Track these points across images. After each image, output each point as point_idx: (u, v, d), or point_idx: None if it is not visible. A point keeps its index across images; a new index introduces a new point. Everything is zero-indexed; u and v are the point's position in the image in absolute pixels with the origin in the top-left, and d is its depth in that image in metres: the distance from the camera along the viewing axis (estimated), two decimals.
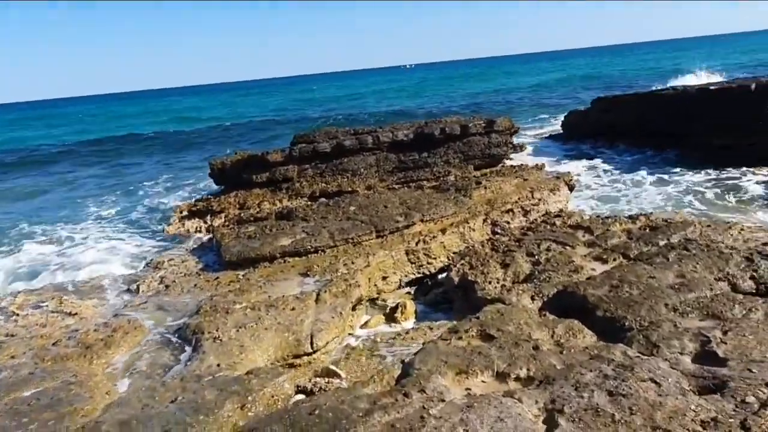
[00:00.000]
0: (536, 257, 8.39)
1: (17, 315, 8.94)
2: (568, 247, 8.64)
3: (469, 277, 8.14)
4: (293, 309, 7.38)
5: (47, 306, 9.47)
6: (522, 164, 16.31)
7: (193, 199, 15.39)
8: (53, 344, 7.19)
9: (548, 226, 10.05)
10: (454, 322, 6.58)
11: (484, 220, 11.28)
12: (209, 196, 15.23)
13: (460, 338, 5.72)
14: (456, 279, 8.33)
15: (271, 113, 55.00)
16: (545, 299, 7.11)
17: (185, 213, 14.44)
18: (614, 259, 7.99)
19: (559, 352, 5.31)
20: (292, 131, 22.66)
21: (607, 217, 10.04)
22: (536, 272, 7.89)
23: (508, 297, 7.16)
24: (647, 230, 8.98)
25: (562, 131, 23.91)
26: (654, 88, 22.37)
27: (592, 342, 5.72)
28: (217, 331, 6.88)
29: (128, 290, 10.03)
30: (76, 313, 8.55)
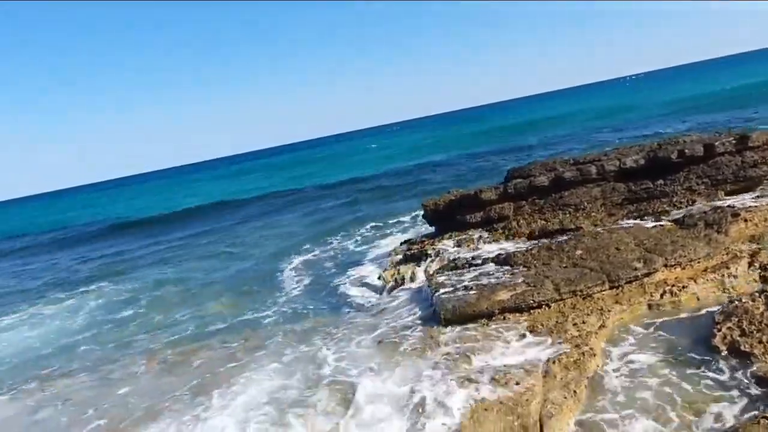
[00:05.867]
0: None
1: None
2: None
3: (742, 347, 6.41)
4: (517, 384, 6.40)
5: None
6: None
7: (406, 243, 15.17)
8: None
9: None
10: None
11: (750, 264, 9.15)
12: (423, 239, 14.89)
13: None
14: (723, 347, 6.62)
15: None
16: None
17: (400, 257, 14.26)
18: None
19: None
20: None
21: None
22: None
23: None
24: None
25: None
26: None
27: None
28: None
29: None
30: None
